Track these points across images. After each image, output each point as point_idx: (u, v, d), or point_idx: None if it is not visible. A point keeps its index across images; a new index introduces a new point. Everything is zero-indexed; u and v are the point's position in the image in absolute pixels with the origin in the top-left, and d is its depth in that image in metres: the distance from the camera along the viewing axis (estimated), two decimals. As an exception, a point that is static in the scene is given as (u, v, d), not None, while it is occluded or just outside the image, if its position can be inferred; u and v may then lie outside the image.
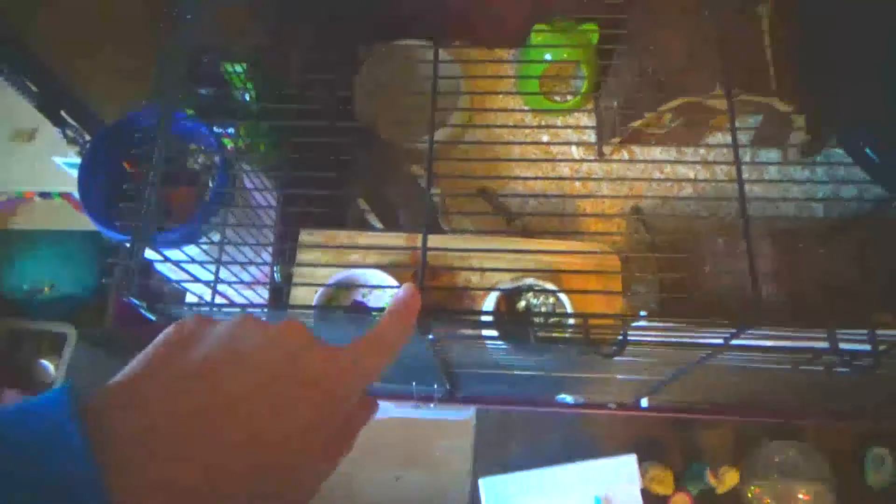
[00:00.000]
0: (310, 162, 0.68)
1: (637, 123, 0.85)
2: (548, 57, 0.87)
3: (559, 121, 0.93)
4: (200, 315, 0.30)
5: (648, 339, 0.45)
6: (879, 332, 0.39)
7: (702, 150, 0.92)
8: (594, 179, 0.89)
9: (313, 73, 0.76)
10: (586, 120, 0.93)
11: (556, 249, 0.73)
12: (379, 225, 0.82)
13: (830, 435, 1.07)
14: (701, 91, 0.79)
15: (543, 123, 0.93)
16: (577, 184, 0.89)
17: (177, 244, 0.60)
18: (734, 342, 0.43)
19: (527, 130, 0.91)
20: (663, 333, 0.45)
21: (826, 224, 0.86)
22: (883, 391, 0.65)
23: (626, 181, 0.89)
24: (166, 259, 0.51)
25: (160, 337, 0.28)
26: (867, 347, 0.39)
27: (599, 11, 0.83)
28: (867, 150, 0.78)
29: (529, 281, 0.68)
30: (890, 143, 0.76)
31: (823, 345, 0.39)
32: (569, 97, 0.91)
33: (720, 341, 0.44)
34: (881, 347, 0.39)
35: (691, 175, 0.91)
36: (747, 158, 0.93)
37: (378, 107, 0.89)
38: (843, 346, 0.39)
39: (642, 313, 0.70)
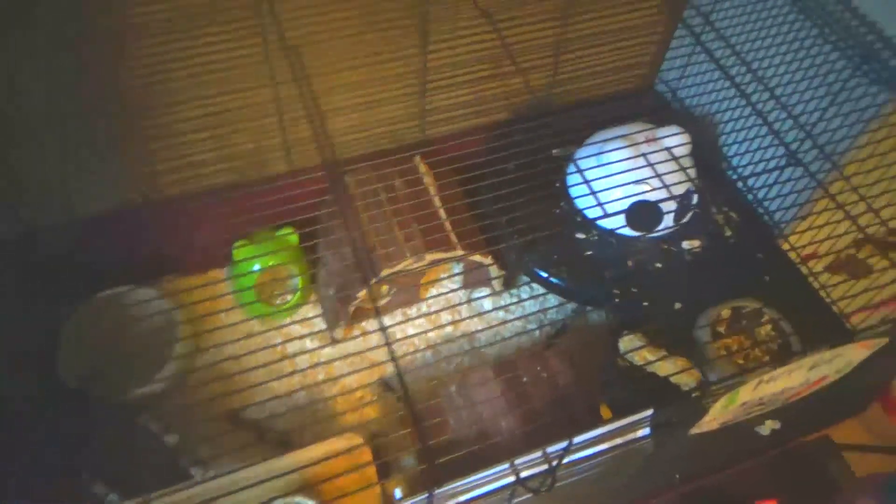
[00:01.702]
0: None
1: (356, 303, 0.92)
2: (256, 267, 0.91)
3: (287, 320, 0.96)
4: None
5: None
6: (550, 449, 0.45)
7: (423, 306, 1.01)
8: (335, 361, 0.92)
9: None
10: (312, 311, 0.97)
11: (307, 462, 0.73)
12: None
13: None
14: (400, 260, 0.88)
15: (272, 327, 0.95)
16: (320, 374, 0.91)
17: None
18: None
19: (258, 339, 0.93)
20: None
21: (540, 344, 0.98)
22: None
23: (365, 356, 0.93)
24: None
25: None
26: (545, 467, 0.44)
27: (291, 216, 0.90)
28: (551, 279, 0.92)
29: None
30: (565, 270, 0.91)
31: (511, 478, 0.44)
32: (289, 297, 0.95)
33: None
34: (554, 463, 0.45)
35: (419, 330, 0.98)
36: (463, 300, 1.04)
37: (89, 363, 0.85)
38: (526, 473, 0.44)
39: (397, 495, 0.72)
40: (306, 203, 0.84)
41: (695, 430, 0.70)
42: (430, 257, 0.87)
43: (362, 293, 0.89)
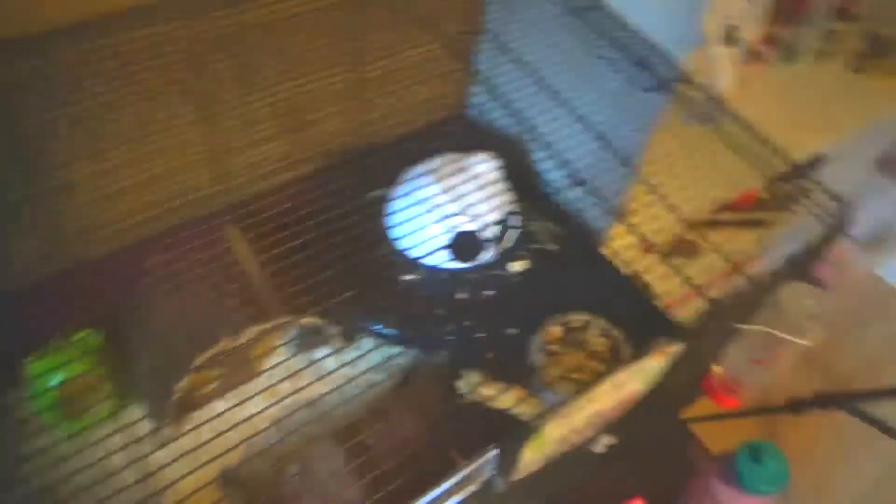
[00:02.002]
0: None
1: (180, 394, 0.84)
2: (55, 382, 0.81)
3: (105, 431, 0.86)
4: None
5: None
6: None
7: (262, 380, 0.94)
8: (168, 465, 0.84)
9: None
10: (137, 411, 0.88)
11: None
12: None
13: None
14: (216, 341, 0.81)
15: (89, 441, 0.85)
16: (153, 483, 0.83)
17: None
18: None
19: (74, 461, 0.82)
20: None
21: (386, 397, 0.94)
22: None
23: (202, 451, 0.85)
24: None
25: None
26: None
27: (95, 314, 0.82)
28: (383, 330, 0.89)
29: None
30: (395, 318, 0.88)
31: None
32: (105, 402, 0.86)
33: None
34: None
35: (260, 408, 0.92)
36: (305, 364, 0.98)
37: None
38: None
39: None
40: (107, 296, 0.77)
41: (533, 459, 0.69)
42: (249, 332, 0.82)
43: (182, 384, 0.82)
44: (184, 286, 0.85)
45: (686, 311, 0.90)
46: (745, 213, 1.50)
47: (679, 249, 1.22)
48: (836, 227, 0.59)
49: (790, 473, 0.80)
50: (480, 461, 0.68)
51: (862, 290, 2.19)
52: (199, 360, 0.83)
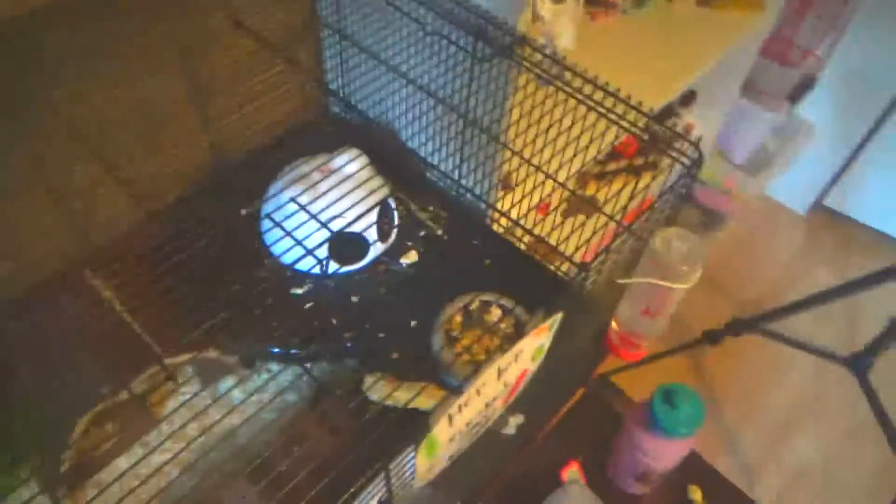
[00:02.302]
0: None
1: (70, 462, 0.78)
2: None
3: (-3, 516, 0.79)
4: None
5: None
6: None
7: (164, 427, 0.89)
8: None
9: None
10: (27, 492, 0.81)
11: None
12: None
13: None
14: (99, 398, 0.76)
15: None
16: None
17: None
18: None
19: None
20: None
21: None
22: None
23: (109, 515, 0.80)
24: None
25: None
26: None
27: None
28: (280, 351, 0.85)
29: None
30: (291, 336, 0.84)
31: None
32: (-13, 489, 0.79)
33: None
34: None
35: (169, 455, 0.86)
36: (210, 400, 0.93)
37: None
38: None
39: None
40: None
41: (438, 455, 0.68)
42: (138, 381, 0.76)
43: (69, 453, 0.76)
44: (53, 346, 0.78)
45: (579, 271, 0.90)
46: (629, 159, 1.53)
47: (575, 208, 1.23)
48: (694, 169, 0.60)
49: (705, 413, 0.81)
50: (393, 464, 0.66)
51: (755, 213, 2.30)
52: (82, 423, 0.77)
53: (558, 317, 0.61)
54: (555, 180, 0.74)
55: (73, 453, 0.77)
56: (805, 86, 1.95)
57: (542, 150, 0.75)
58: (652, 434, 0.88)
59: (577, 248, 0.69)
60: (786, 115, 1.95)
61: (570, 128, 0.74)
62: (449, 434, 0.59)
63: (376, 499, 0.64)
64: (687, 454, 0.93)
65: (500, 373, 0.58)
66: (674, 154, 0.61)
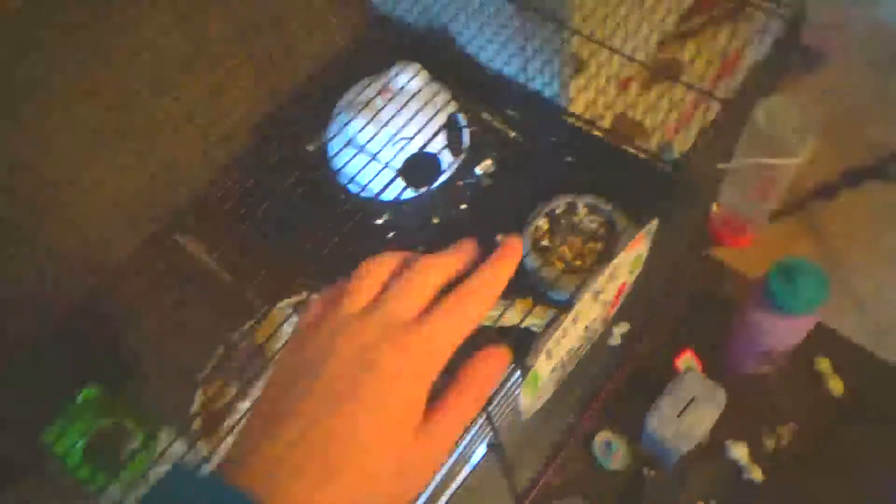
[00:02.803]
0: None
1: (198, 413, 0.82)
2: (81, 444, 0.80)
3: (144, 463, 0.86)
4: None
5: None
6: None
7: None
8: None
9: None
10: (167, 435, 0.87)
11: None
12: None
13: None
14: (214, 348, 0.79)
15: (132, 479, 0.85)
16: None
17: None
18: None
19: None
20: None
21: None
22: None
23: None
24: None
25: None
26: None
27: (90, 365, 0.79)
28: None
29: None
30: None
31: None
32: (133, 441, 0.85)
33: None
34: None
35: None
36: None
37: None
38: None
39: None
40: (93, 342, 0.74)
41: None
42: (241, 329, 0.79)
43: (197, 403, 0.80)
44: (160, 307, 0.81)
45: (675, 146, 0.83)
46: (711, 10, 1.36)
47: (660, 73, 1.11)
48: (796, 22, 0.51)
49: (829, 285, 0.74)
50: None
51: (867, 46, 2.02)
52: (202, 375, 0.81)
53: (655, 222, 0.55)
54: (633, 59, 0.66)
55: (198, 409, 0.81)
56: None
57: (614, 32, 0.67)
58: (771, 313, 0.82)
59: (662, 121, 0.62)
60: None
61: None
62: (550, 366, 0.56)
63: (484, 442, 0.64)
64: (812, 328, 0.87)
65: (596, 295, 0.54)
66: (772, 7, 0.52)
